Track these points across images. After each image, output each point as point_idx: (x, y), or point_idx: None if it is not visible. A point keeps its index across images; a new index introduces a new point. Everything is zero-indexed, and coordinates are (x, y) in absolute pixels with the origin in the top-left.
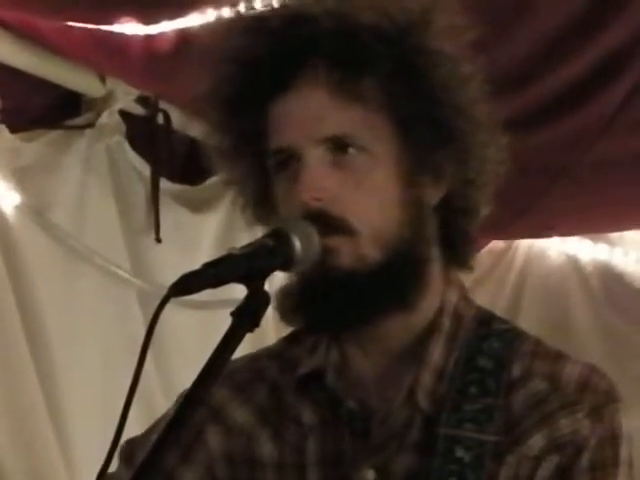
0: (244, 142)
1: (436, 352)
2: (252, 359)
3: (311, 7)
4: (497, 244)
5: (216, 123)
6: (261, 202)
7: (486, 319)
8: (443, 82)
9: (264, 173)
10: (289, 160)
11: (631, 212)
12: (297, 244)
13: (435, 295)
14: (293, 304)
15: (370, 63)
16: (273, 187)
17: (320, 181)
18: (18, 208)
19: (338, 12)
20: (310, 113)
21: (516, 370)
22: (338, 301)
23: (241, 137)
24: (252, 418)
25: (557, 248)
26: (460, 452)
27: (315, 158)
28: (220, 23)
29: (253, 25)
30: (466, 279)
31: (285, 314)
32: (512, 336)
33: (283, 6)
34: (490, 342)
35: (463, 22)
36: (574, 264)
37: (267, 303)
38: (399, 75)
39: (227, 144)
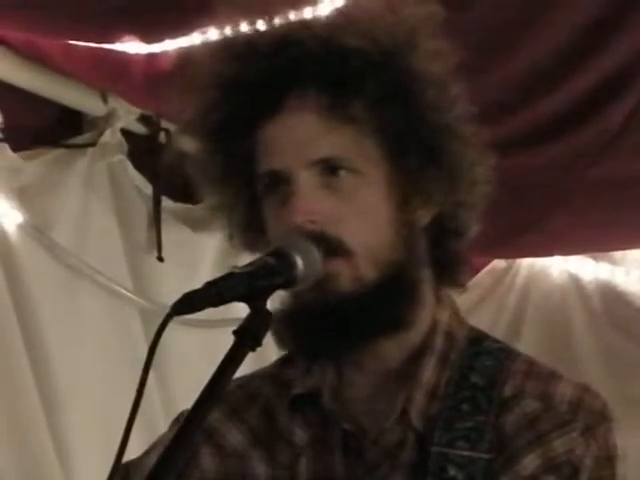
0: (232, 167)
1: (428, 371)
2: (245, 380)
3: (298, 31)
4: (498, 263)
5: (205, 148)
6: (249, 228)
7: (478, 338)
8: (431, 103)
9: (252, 198)
10: (279, 183)
11: (633, 231)
12: (299, 263)
13: (427, 315)
14: (290, 330)
15: (358, 86)
16: (261, 213)
17: (312, 204)
18: (20, 227)
19: (325, 36)
20: (300, 136)
21: (508, 389)
22: (338, 325)
23: (229, 162)
24: (245, 439)
25: (559, 267)
26: (453, 470)
27: (306, 181)
28: (207, 47)
29: (242, 49)
30: (467, 298)
31: (282, 340)
32: (504, 354)
33: (270, 30)
34: (482, 360)
35: (448, 45)
36: (576, 283)
37: (269, 322)
38: (387, 98)
39: (215, 169)
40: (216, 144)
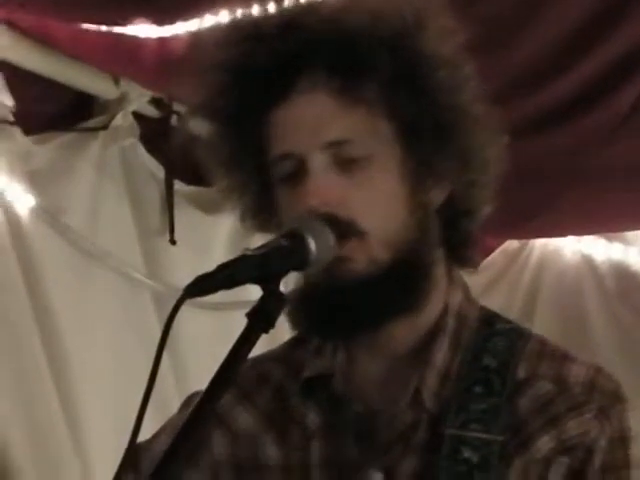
0: (243, 150)
1: (441, 353)
2: (256, 362)
3: (307, 14)
4: (512, 244)
5: (215, 131)
6: (260, 210)
7: (490, 319)
8: (442, 84)
9: (263, 181)
10: (291, 166)
11: None
12: (312, 244)
13: (439, 296)
14: (304, 311)
15: (368, 68)
16: (272, 194)
17: (326, 186)
18: (32, 211)
19: (334, 18)
20: (313, 119)
21: (521, 371)
22: (351, 307)
23: (240, 145)
24: (257, 422)
25: (572, 247)
26: (467, 452)
27: (320, 163)
28: (218, 30)
29: (251, 33)
30: (481, 279)
31: (296, 321)
32: (516, 335)
33: (279, 13)
34: (494, 341)
35: (457, 25)
36: (589, 263)
37: (282, 304)
38: (398, 79)
39: (226, 152)
40: (227, 127)
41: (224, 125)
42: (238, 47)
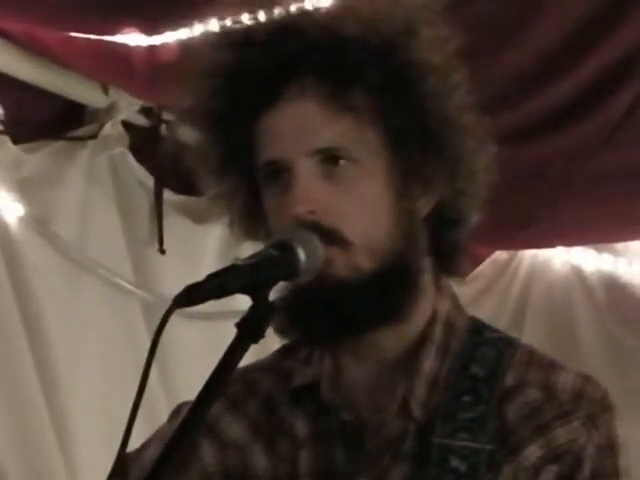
0: (232, 156)
1: (428, 362)
2: (245, 372)
3: (298, 20)
4: (501, 254)
5: (204, 137)
6: (249, 217)
7: (478, 328)
8: (431, 92)
9: (252, 187)
10: (279, 172)
11: (636, 222)
12: (302, 254)
13: (427, 305)
14: (287, 316)
15: (358, 75)
16: (261, 201)
17: (312, 194)
18: (21, 219)
19: (325, 25)
20: (300, 125)
21: (510, 379)
22: (332, 311)
23: (229, 151)
24: (245, 431)
25: (561, 258)
26: (455, 462)
27: (306, 170)
28: (206, 37)
29: (241, 38)
30: (470, 289)
31: (280, 328)
32: (505, 344)
33: (271, 20)
34: (483, 350)
35: (448, 33)
36: (578, 274)
37: (272, 314)
38: (387, 86)
39: (215, 158)
40: (215, 133)
41: (214, 131)
42: (229, 53)
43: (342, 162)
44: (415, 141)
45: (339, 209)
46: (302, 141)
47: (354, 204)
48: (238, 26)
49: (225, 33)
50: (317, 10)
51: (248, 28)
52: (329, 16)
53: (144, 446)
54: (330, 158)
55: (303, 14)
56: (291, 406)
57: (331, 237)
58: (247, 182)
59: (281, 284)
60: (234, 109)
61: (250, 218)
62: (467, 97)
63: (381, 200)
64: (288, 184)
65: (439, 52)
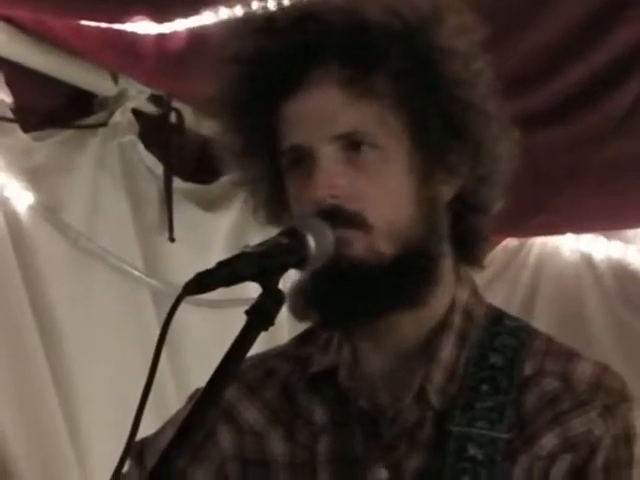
0: (256, 142)
1: (447, 349)
2: (263, 358)
3: (321, 5)
4: (511, 242)
5: (228, 124)
6: (273, 202)
7: (497, 316)
8: (454, 78)
9: (276, 173)
10: (302, 158)
11: None
12: (311, 242)
13: (446, 292)
14: (305, 300)
15: (381, 60)
16: (285, 187)
17: (334, 178)
18: (31, 208)
19: (348, 10)
20: (322, 111)
21: (528, 368)
22: (350, 293)
23: (253, 137)
24: (263, 417)
25: (571, 246)
26: (473, 450)
27: (328, 155)
28: (230, 23)
29: (263, 25)
30: (480, 276)
31: (297, 310)
32: (524, 333)
33: (293, 5)
34: (502, 339)
35: (473, 21)
36: (588, 262)
37: (281, 301)
38: (410, 72)
39: (239, 145)
40: (240, 120)
41: (238, 117)
42: (251, 38)
43: (364, 147)
44: (437, 127)
45: (361, 193)
46: (323, 127)
47: (376, 189)
48: (259, 12)
49: (247, 19)
50: None
51: (271, 14)
52: (353, 1)
53: (160, 431)
54: (352, 144)
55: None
56: (309, 393)
57: (353, 221)
58: (271, 168)
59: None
60: (257, 96)
61: (274, 204)
62: (490, 84)
63: (403, 185)
64: (310, 170)
65: (464, 39)
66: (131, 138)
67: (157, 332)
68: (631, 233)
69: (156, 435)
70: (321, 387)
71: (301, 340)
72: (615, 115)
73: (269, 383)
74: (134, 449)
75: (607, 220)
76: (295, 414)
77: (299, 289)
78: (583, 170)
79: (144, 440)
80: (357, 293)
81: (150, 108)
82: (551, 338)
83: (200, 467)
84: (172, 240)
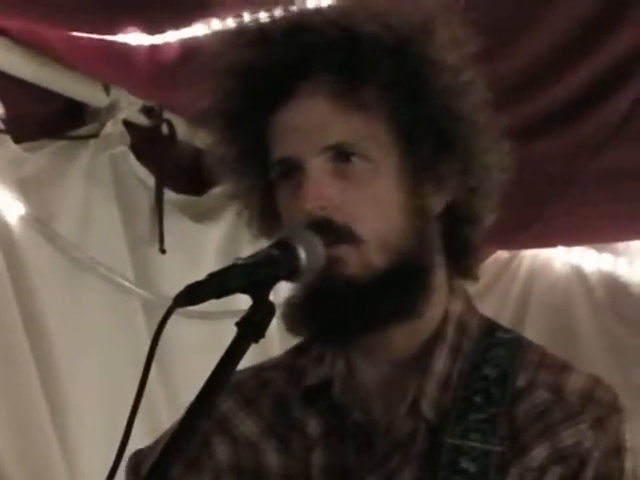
0: (247, 154)
1: (440, 361)
2: (258, 370)
3: (312, 18)
4: (502, 254)
5: (219, 136)
6: (265, 214)
7: (490, 328)
8: (444, 90)
9: (267, 185)
10: (292, 170)
11: (636, 222)
12: (302, 254)
13: (439, 304)
14: (299, 314)
15: (371, 72)
16: (276, 199)
17: (323, 190)
18: (22, 219)
19: (339, 22)
20: (312, 123)
21: (521, 380)
22: (344, 309)
23: (244, 149)
24: (258, 429)
25: (562, 258)
26: (465, 463)
27: (317, 167)
28: (222, 35)
29: (255, 36)
30: (471, 288)
31: (291, 325)
32: (517, 345)
33: (284, 17)
34: (495, 351)
35: (464, 34)
36: (579, 274)
37: (272, 313)
38: (400, 84)
39: (230, 156)
40: (231, 131)
41: (230, 128)
42: (243, 50)
43: (353, 159)
44: (426, 138)
45: (350, 206)
46: (313, 138)
47: (365, 201)
48: (251, 24)
49: (238, 31)
50: (332, 8)
51: (262, 26)
52: (343, 13)
53: (157, 443)
54: (341, 155)
55: (317, 11)
56: (303, 405)
57: (342, 233)
58: (263, 180)
59: (290, 284)
60: (249, 108)
61: (267, 216)
62: (481, 95)
63: (392, 197)
64: (300, 182)
65: (454, 52)
66: (122, 149)
67: (148, 343)
68: (622, 246)
69: (152, 447)
70: (315, 399)
71: (297, 352)
72: (607, 126)
73: (264, 394)
74: (131, 461)
75: (598, 233)
76: (290, 426)
77: (293, 304)
78: (574, 182)
79: (141, 452)
80: (353, 309)
81: (142, 119)
82: (544, 350)
83: (196, 478)
84: (163, 251)
